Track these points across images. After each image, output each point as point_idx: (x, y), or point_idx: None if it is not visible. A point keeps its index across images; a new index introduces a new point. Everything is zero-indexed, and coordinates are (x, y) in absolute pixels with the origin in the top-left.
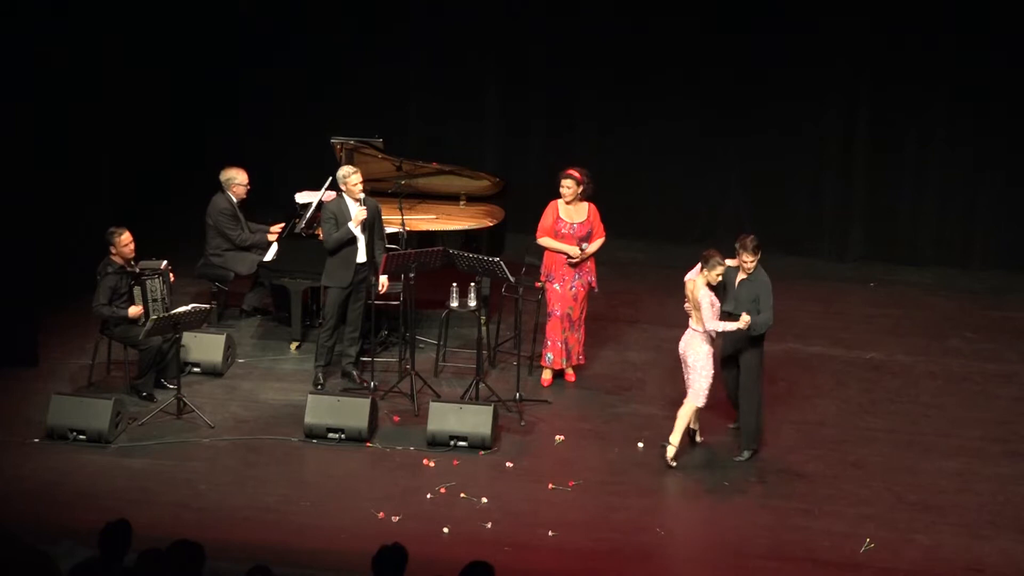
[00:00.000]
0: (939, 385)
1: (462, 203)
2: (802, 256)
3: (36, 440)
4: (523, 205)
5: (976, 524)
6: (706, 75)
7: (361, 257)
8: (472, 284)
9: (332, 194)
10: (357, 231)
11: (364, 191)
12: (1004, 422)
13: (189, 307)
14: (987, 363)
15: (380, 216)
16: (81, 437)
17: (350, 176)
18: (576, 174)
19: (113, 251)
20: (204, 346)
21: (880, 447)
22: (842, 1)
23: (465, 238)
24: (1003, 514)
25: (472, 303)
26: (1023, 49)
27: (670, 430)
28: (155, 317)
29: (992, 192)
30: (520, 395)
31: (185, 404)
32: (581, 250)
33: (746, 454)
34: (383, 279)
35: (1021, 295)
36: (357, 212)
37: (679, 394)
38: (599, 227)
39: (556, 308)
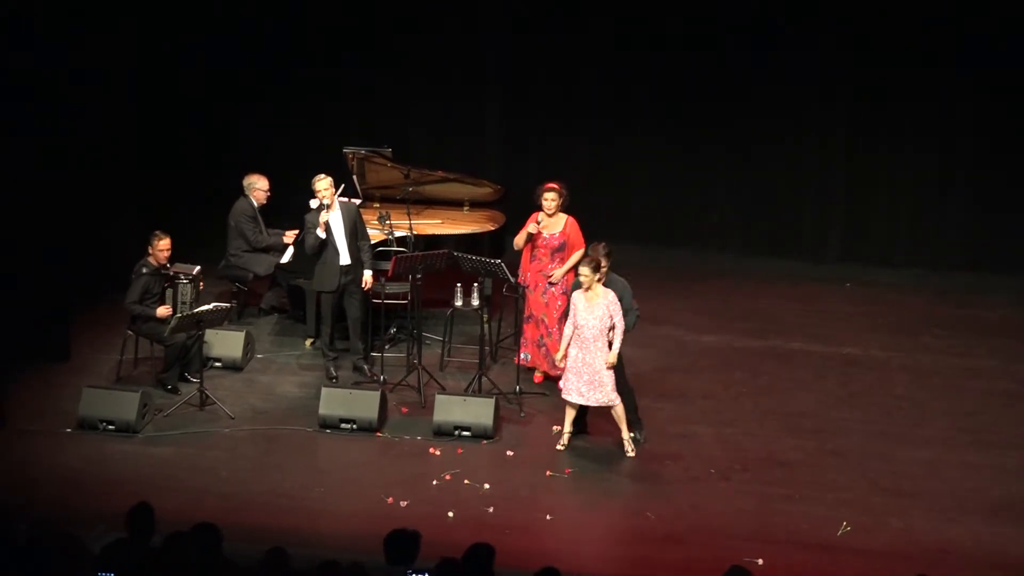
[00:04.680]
0: (911, 379)
1: (466, 209)
2: (784, 259)
3: (68, 430)
4: (523, 210)
5: (945, 508)
6: (694, 88)
7: (344, 260)
8: (475, 284)
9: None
10: (322, 234)
11: (376, 198)
12: (971, 413)
13: (211, 306)
14: (956, 358)
15: (360, 219)
16: (110, 427)
17: (315, 183)
18: (557, 187)
19: (150, 251)
20: (225, 342)
21: (856, 437)
22: (821, 15)
23: (469, 241)
24: (970, 499)
25: (475, 302)
26: (991, 57)
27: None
28: (179, 315)
29: (961, 199)
30: (520, 388)
31: (207, 396)
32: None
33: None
34: (367, 275)
35: (987, 295)
36: (322, 215)
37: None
38: (577, 239)
39: (532, 311)
